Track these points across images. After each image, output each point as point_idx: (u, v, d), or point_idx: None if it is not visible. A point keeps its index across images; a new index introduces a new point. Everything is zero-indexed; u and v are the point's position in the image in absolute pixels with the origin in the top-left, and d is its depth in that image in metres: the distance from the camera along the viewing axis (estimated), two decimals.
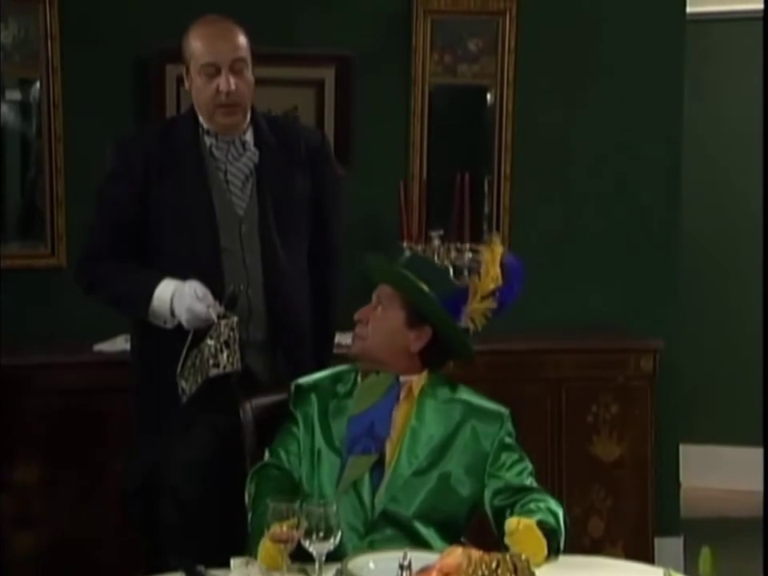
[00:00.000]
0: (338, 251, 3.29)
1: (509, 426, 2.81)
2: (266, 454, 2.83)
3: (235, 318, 2.96)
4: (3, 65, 4.11)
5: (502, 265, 2.87)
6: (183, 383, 2.98)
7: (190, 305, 2.96)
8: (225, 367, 2.96)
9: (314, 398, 2.83)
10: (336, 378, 2.87)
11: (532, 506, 2.64)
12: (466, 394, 2.84)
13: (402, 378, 2.81)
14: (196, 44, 3.07)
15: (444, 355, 2.88)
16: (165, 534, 3.09)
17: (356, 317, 2.86)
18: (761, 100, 4.05)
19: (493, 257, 2.88)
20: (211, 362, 2.95)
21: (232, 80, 3.04)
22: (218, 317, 2.95)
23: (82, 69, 4.15)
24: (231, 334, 2.95)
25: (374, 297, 2.87)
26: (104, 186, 3.15)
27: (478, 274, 2.89)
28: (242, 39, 3.10)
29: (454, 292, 2.86)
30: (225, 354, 2.95)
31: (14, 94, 4.22)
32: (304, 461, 2.78)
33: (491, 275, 2.87)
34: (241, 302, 3.03)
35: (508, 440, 2.79)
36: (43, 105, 4.15)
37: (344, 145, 4.30)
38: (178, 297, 2.98)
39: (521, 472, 2.76)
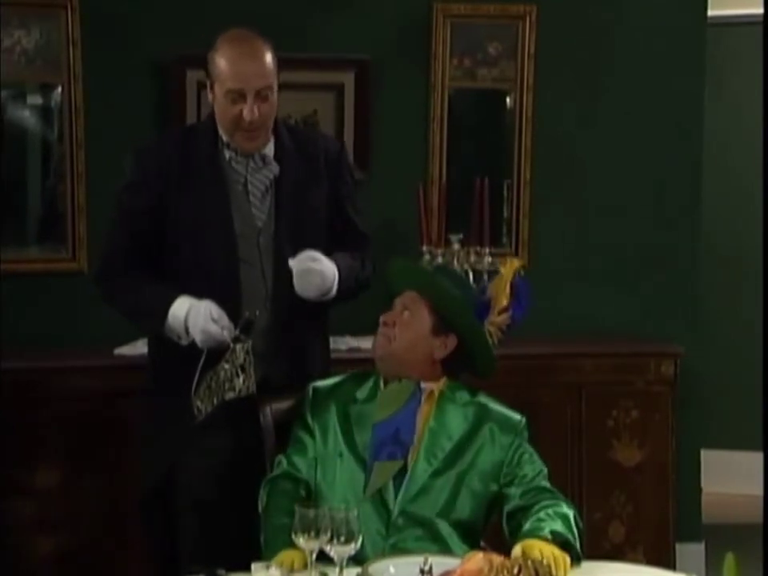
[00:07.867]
0: (367, 237, 3.23)
1: (525, 434, 2.82)
2: (282, 462, 2.83)
3: (250, 342, 2.96)
4: (25, 70, 4.13)
5: (511, 284, 2.88)
6: (198, 403, 2.99)
7: (204, 326, 2.95)
8: (240, 391, 2.98)
9: (332, 403, 2.84)
10: (355, 382, 2.88)
11: (542, 514, 2.64)
12: (484, 399, 2.86)
13: (422, 384, 2.82)
14: (222, 64, 3.00)
15: (464, 365, 2.89)
16: (182, 537, 3.08)
17: (382, 319, 2.87)
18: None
19: (507, 273, 2.89)
20: (227, 385, 2.98)
21: (256, 108, 2.99)
22: (233, 340, 2.96)
23: (103, 74, 4.16)
24: (247, 357, 2.96)
25: (398, 303, 2.88)
26: (122, 194, 3.14)
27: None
28: (270, 61, 3.02)
29: (479, 305, 2.88)
30: (241, 379, 2.97)
31: (36, 99, 4.24)
32: (320, 467, 2.79)
33: (506, 291, 2.88)
34: (260, 314, 3.01)
35: (522, 448, 2.80)
36: (65, 110, 4.17)
37: (363, 149, 4.31)
38: (193, 316, 2.97)
39: (534, 477, 2.76)
